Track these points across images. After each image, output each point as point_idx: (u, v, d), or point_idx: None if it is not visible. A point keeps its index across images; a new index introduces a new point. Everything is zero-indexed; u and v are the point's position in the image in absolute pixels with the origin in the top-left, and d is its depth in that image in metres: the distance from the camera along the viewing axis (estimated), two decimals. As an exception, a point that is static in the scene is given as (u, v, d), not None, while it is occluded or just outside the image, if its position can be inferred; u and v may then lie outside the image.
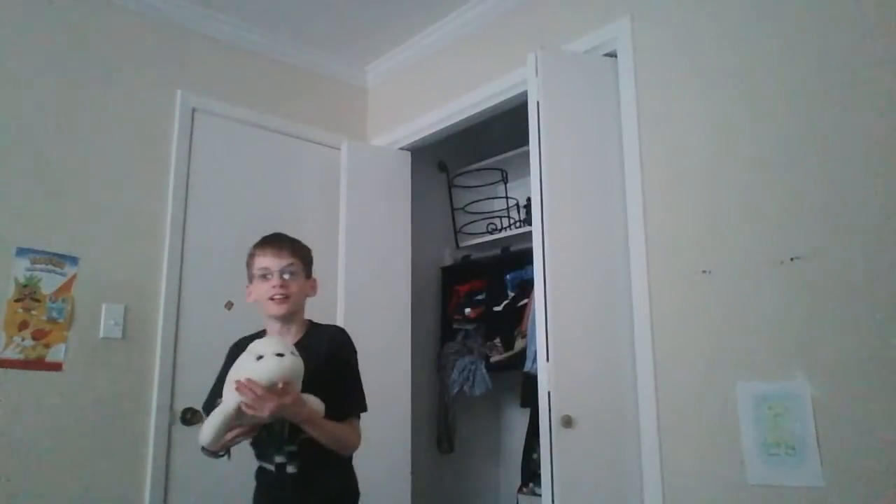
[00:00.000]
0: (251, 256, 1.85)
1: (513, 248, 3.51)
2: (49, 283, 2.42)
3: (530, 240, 2.26)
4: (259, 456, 1.79)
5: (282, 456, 1.72)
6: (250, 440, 1.74)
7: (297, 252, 1.85)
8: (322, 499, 1.74)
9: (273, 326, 1.83)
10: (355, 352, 1.87)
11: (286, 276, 1.79)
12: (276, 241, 1.84)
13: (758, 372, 1.86)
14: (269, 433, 1.72)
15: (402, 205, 3.24)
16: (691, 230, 2.07)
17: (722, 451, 1.90)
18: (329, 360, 1.79)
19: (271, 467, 1.74)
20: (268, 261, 1.80)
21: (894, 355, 1.64)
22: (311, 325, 1.89)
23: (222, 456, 1.71)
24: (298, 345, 1.75)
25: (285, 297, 1.78)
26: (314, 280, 1.89)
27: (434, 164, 3.80)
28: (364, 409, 1.84)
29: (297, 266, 1.82)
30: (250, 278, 1.85)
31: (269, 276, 1.79)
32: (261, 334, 1.84)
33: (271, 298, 1.78)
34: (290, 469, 1.72)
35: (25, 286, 2.37)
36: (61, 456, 2.36)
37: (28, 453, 2.29)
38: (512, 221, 3.57)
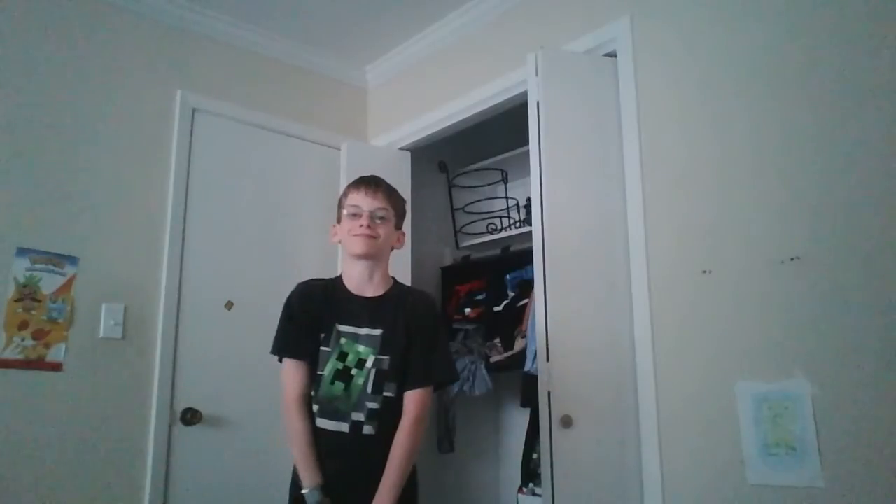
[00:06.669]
0: (344, 194, 1.82)
1: (513, 248, 3.50)
2: (49, 283, 2.42)
3: (530, 240, 2.26)
4: (327, 414, 1.67)
5: (361, 413, 1.64)
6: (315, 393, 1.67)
7: (391, 199, 1.81)
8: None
9: (355, 269, 1.77)
10: (443, 321, 1.81)
11: (376, 220, 1.75)
12: (372, 183, 1.80)
13: (758, 372, 1.86)
14: (348, 385, 1.64)
15: (402, 205, 3.24)
16: (691, 230, 2.07)
17: (722, 451, 1.90)
18: (414, 321, 1.73)
19: (344, 427, 1.64)
20: (360, 199, 1.77)
21: (894, 355, 1.64)
22: (395, 282, 1.83)
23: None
24: (384, 298, 1.73)
25: (370, 237, 1.73)
26: (403, 233, 1.86)
27: (434, 164, 3.79)
28: (455, 377, 1.82)
29: (388, 212, 1.78)
30: (339, 217, 1.82)
31: (359, 215, 1.75)
32: (337, 280, 1.78)
33: (355, 235, 1.73)
34: (367, 430, 1.64)
35: (25, 286, 2.37)
36: (61, 456, 2.36)
37: (28, 453, 2.29)
38: (512, 221, 3.56)
